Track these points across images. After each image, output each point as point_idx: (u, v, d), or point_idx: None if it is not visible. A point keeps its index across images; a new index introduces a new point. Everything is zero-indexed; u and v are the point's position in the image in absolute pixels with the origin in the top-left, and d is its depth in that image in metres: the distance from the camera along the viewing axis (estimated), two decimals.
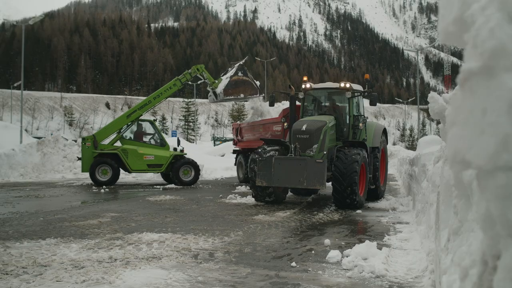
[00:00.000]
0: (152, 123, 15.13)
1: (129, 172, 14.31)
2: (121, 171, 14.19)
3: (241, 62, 15.43)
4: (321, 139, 8.83)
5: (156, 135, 14.81)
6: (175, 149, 14.59)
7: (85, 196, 10.45)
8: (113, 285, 3.64)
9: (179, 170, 13.84)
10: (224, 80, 15.02)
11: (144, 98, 17.82)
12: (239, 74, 15.01)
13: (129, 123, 14.46)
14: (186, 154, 14.51)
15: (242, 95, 15.09)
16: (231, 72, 15.24)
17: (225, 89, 14.75)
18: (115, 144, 14.34)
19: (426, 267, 3.92)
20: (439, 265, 2.63)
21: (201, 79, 15.38)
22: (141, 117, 14.76)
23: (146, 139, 14.75)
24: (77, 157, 14.73)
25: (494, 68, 0.95)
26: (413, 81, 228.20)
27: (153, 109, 15.59)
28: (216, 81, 14.98)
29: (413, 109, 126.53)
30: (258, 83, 15.43)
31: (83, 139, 14.30)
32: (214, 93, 14.99)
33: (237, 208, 8.42)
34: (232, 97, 15.10)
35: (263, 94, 15.51)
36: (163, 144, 14.53)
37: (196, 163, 14.19)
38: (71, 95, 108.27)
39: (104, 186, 12.84)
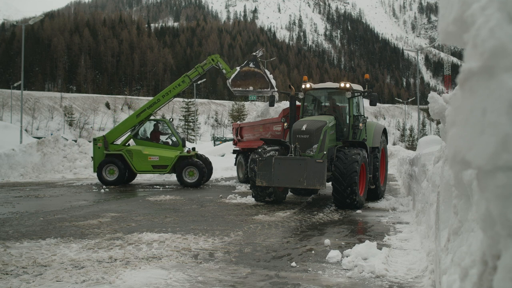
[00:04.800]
0: (166, 122, 14.75)
1: (135, 172, 14.22)
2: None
3: (254, 53, 14.50)
4: (321, 139, 8.83)
5: (171, 134, 14.46)
6: (193, 149, 14.28)
7: (85, 196, 10.44)
8: (113, 285, 3.64)
9: (182, 171, 13.42)
10: (238, 70, 14.22)
11: (148, 97, 17.78)
12: (251, 65, 14.01)
13: (139, 122, 14.28)
14: (193, 155, 13.89)
15: (251, 88, 14.02)
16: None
17: (233, 79, 13.85)
18: (128, 144, 14.38)
19: (426, 267, 3.92)
20: (439, 265, 2.63)
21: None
22: (155, 117, 14.63)
23: (162, 138, 14.48)
24: (91, 156, 14.66)
25: (494, 68, 0.95)
26: (413, 81, 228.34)
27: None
28: (231, 71, 14.17)
29: (413, 109, 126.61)
30: (271, 76, 14.37)
31: (95, 139, 14.23)
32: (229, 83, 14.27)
33: (237, 208, 8.42)
34: (241, 88, 14.05)
35: (275, 90, 14.27)
36: (176, 144, 14.14)
37: (200, 164, 13.39)
38: (71, 95, 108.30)
39: (104, 186, 12.85)
